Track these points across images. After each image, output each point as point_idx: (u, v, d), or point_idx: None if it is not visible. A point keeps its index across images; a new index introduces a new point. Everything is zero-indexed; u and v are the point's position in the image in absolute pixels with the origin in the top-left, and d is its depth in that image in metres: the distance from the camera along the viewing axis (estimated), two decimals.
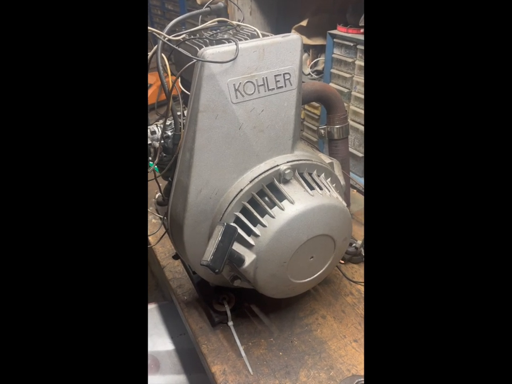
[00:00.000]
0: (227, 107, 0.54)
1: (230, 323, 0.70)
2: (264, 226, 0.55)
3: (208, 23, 0.59)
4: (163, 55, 0.54)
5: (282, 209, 0.55)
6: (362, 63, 0.95)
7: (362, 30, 0.93)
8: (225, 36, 0.61)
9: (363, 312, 0.72)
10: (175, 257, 0.79)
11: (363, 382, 0.58)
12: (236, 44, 0.52)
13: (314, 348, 0.67)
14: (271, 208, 0.56)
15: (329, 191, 0.60)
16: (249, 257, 0.56)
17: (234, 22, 0.61)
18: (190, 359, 0.91)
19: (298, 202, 0.56)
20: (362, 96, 0.99)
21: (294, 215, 0.55)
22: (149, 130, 0.64)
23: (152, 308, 1.05)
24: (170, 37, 0.55)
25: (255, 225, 0.56)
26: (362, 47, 0.93)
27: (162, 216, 0.75)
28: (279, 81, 0.57)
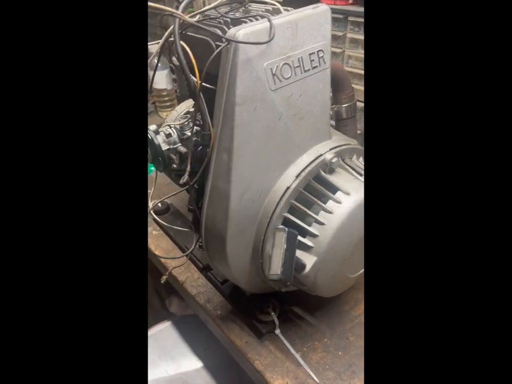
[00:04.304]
0: (266, 96, 0.47)
1: (277, 331, 0.64)
2: (322, 224, 0.50)
3: (220, 1, 0.51)
4: (183, 43, 0.45)
5: (340, 203, 0.50)
6: (354, 36, 0.91)
7: (351, 1, 0.89)
8: (238, 15, 0.53)
9: None
10: (204, 270, 0.71)
11: None
12: (269, 21, 0.44)
13: None
14: (324, 203, 0.50)
15: None
16: (309, 260, 0.50)
17: None
18: (223, 374, 0.84)
19: (354, 192, 0.51)
20: (355, 71, 0.95)
21: (353, 207, 0.50)
22: (163, 134, 0.55)
23: (166, 327, 0.96)
24: (187, 18, 0.46)
25: (309, 225, 0.51)
26: (353, 19, 0.89)
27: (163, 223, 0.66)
28: (313, 60, 0.50)
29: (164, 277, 0.63)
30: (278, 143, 0.50)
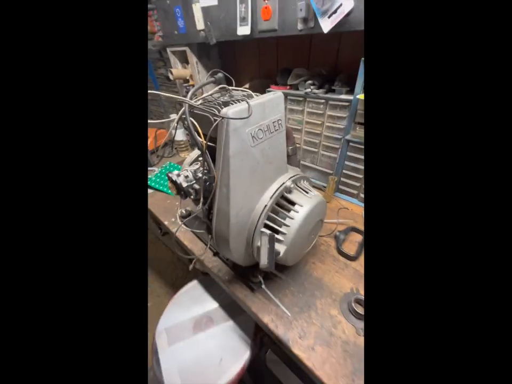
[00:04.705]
0: (248, 150, 0.39)
1: (263, 286, 0.58)
2: (288, 226, 0.43)
3: (214, 90, 0.43)
4: (191, 119, 0.37)
5: (297, 212, 0.44)
6: (291, 107, 0.85)
7: (288, 87, 0.83)
8: (226, 98, 0.45)
9: (334, 254, 0.66)
10: (216, 254, 0.63)
11: (358, 297, 0.52)
12: (247, 103, 0.37)
13: (317, 284, 0.59)
14: (289, 212, 0.44)
15: (313, 191, 0.50)
16: (281, 249, 0.44)
17: (231, 88, 0.45)
18: (231, 308, 0.77)
19: (305, 204, 0.45)
20: (294, 126, 0.89)
21: (306, 214, 0.44)
22: (183, 176, 0.46)
23: (195, 283, 0.86)
24: (192, 102, 0.37)
25: (280, 227, 0.44)
26: (290, 97, 0.83)
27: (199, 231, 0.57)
28: (275, 126, 0.43)
29: (191, 265, 0.54)
30: (258, 179, 0.43)
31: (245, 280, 0.59)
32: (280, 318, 0.52)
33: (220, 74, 0.43)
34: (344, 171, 0.81)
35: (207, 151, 0.40)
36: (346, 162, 0.78)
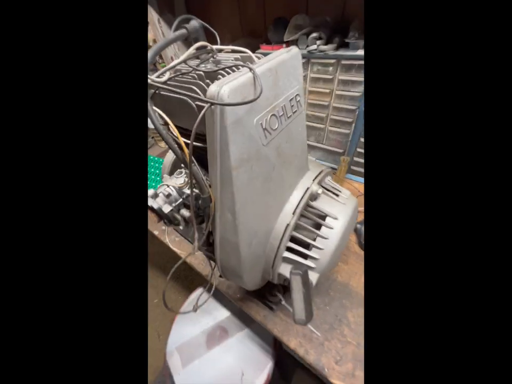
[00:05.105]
0: (260, 152, 0.24)
1: (283, 301, 0.48)
2: (321, 249, 0.31)
3: (189, 52, 0.25)
4: (156, 108, 0.20)
5: (332, 228, 0.31)
6: None
7: (284, 46, 0.62)
8: (210, 66, 0.28)
9: (356, 250, 0.56)
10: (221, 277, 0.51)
11: None
12: (252, 72, 0.20)
13: (344, 291, 0.50)
14: (319, 229, 0.31)
15: (343, 192, 0.37)
16: (313, 277, 0.32)
17: (215, 46, 0.27)
18: (245, 314, 0.69)
19: (340, 216, 0.32)
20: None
21: (343, 230, 0.31)
22: (162, 195, 0.30)
23: (200, 291, 0.77)
24: (153, 78, 0.20)
25: (309, 248, 0.32)
26: None
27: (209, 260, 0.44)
28: (293, 105, 0.28)
29: (195, 307, 0.42)
30: (274, 190, 0.29)
31: (260, 298, 0.49)
32: (309, 341, 0.43)
33: (194, 23, 0.25)
34: (358, 149, 0.66)
35: (193, 158, 0.24)
36: (362, 139, 0.64)
